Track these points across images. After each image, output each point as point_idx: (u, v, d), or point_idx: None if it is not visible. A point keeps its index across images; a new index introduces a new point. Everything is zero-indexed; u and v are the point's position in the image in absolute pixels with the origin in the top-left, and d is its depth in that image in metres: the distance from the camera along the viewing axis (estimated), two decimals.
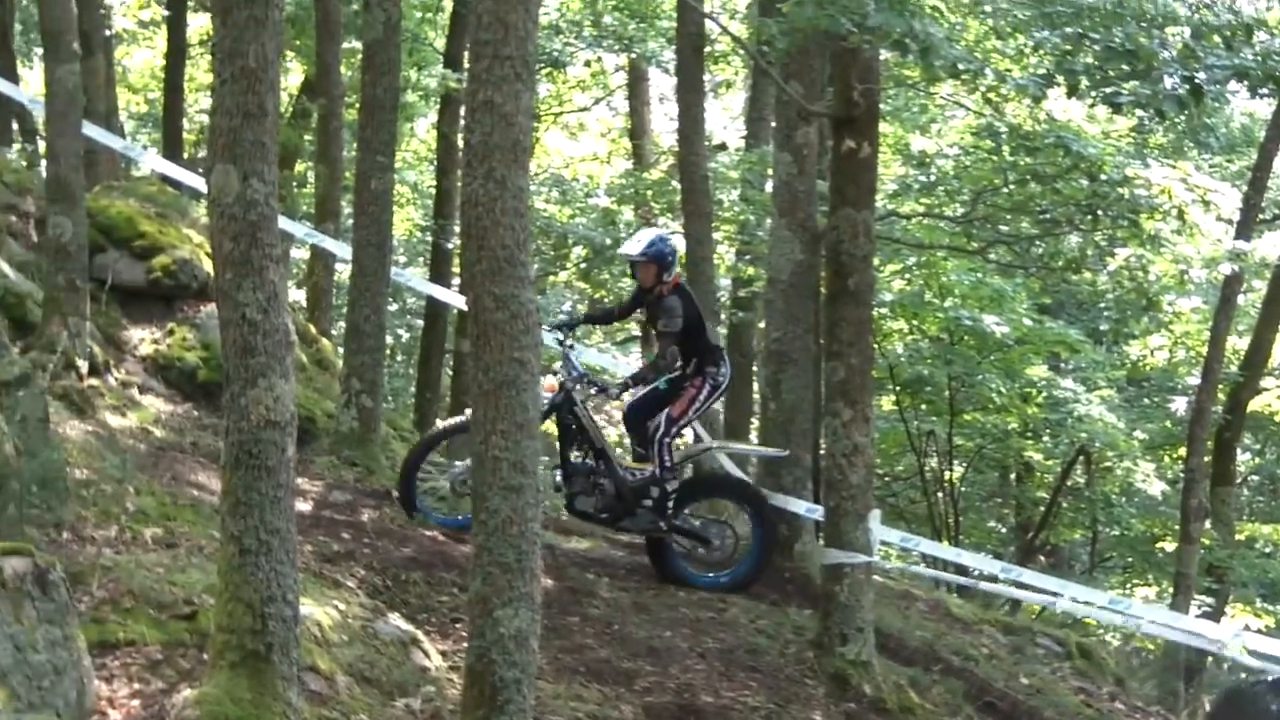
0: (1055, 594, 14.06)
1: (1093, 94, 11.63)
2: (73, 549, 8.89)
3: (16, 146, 24.67)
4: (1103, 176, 14.98)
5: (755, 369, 21.68)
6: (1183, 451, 20.51)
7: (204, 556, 9.49)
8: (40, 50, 25.32)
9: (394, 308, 26.57)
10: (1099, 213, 15.78)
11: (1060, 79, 11.15)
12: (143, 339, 14.84)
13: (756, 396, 18.69)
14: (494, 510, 5.81)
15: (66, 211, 12.74)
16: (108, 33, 21.63)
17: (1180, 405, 22.47)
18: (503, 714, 5.71)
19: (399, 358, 32.53)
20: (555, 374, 12.20)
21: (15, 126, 26.44)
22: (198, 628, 8.21)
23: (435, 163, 24.35)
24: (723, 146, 27.99)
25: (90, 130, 15.43)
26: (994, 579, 15.36)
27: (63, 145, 12.89)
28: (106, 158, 19.56)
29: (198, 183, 17.75)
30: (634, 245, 12.54)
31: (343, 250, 18.45)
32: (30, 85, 28.01)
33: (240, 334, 7.16)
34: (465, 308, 7.02)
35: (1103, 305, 23.28)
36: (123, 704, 7.38)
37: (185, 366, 14.87)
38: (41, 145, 21.37)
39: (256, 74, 6.69)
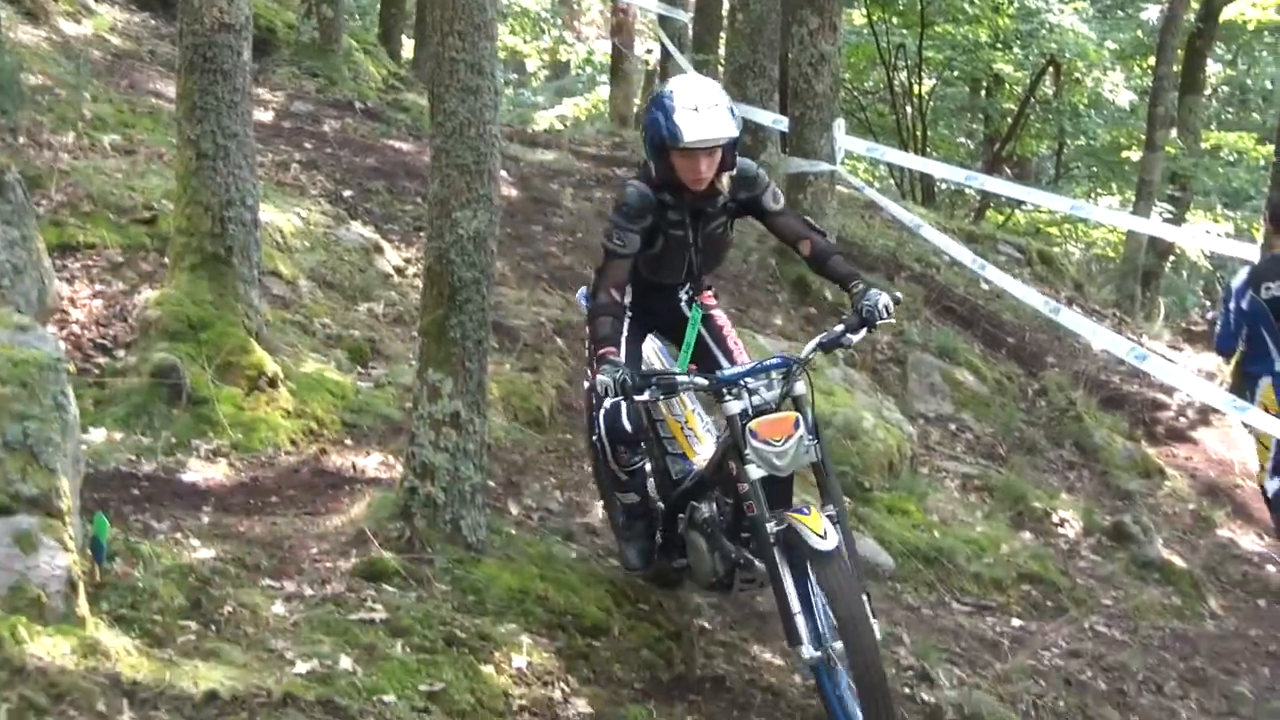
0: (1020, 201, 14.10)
1: None
2: (29, 153, 8.85)
3: None
4: None
5: None
6: (1153, 60, 20.31)
7: (163, 164, 9.49)
8: None
9: None
10: None
11: None
12: None
13: (726, 7, 18.42)
14: (451, 112, 5.74)
15: None
16: None
17: (1153, 13, 22.09)
18: (461, 313, 5.75)
19: None
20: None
21: None
22: (158, 232, 8.27)
23: None
24: None
25: None
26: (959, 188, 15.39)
27: None
28: None
29: None
30: (719, 123, 5.86)
31: None
32: None
33: None
34: None
35: None
36: (84, 304, 7.47)
37: None
38: None
39: None
